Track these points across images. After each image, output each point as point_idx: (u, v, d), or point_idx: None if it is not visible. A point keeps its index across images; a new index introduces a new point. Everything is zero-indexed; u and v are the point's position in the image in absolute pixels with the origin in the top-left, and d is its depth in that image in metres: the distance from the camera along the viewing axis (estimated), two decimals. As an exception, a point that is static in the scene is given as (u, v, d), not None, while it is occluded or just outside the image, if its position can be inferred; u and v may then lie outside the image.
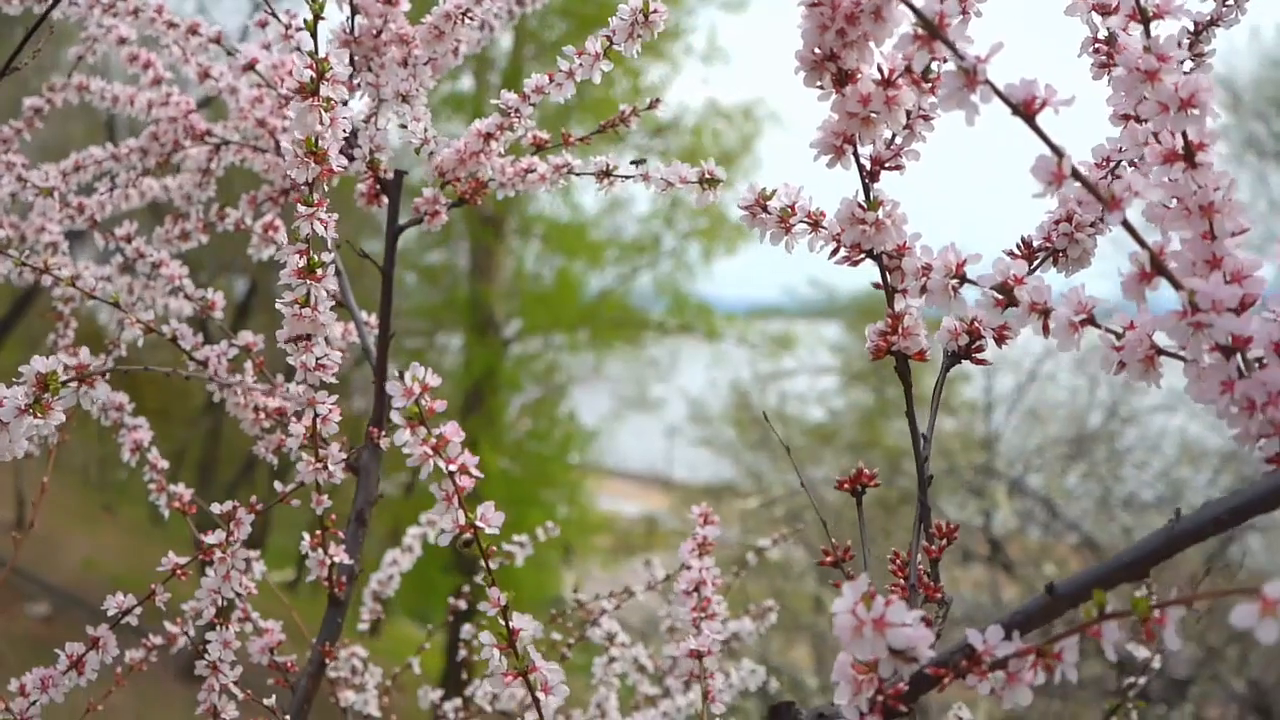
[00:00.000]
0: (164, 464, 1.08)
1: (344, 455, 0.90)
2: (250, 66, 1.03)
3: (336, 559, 0.95)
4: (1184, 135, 0.52)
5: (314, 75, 0.68)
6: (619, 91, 11.30)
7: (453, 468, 0.60)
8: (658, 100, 0.97)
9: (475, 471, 0.61)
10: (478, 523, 0.61)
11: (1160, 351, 0.53)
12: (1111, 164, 0.67)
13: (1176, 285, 0.50)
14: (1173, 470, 7.42)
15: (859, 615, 0.48)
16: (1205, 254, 0.52)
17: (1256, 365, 0.52)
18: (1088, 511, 6.80)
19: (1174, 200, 0.54)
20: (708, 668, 0.91)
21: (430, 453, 0.60)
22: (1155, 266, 0.50)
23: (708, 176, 0.82)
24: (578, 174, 0.94)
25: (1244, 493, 0.48)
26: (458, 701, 1.29)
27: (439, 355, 11.91)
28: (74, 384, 0.64)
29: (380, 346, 1.00)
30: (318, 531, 0.94)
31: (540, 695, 0.63)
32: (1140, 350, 0.53)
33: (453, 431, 0.61)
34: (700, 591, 0.93)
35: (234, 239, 1.26)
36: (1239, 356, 0.51)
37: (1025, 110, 0.49)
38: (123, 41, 1.17)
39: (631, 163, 0.93)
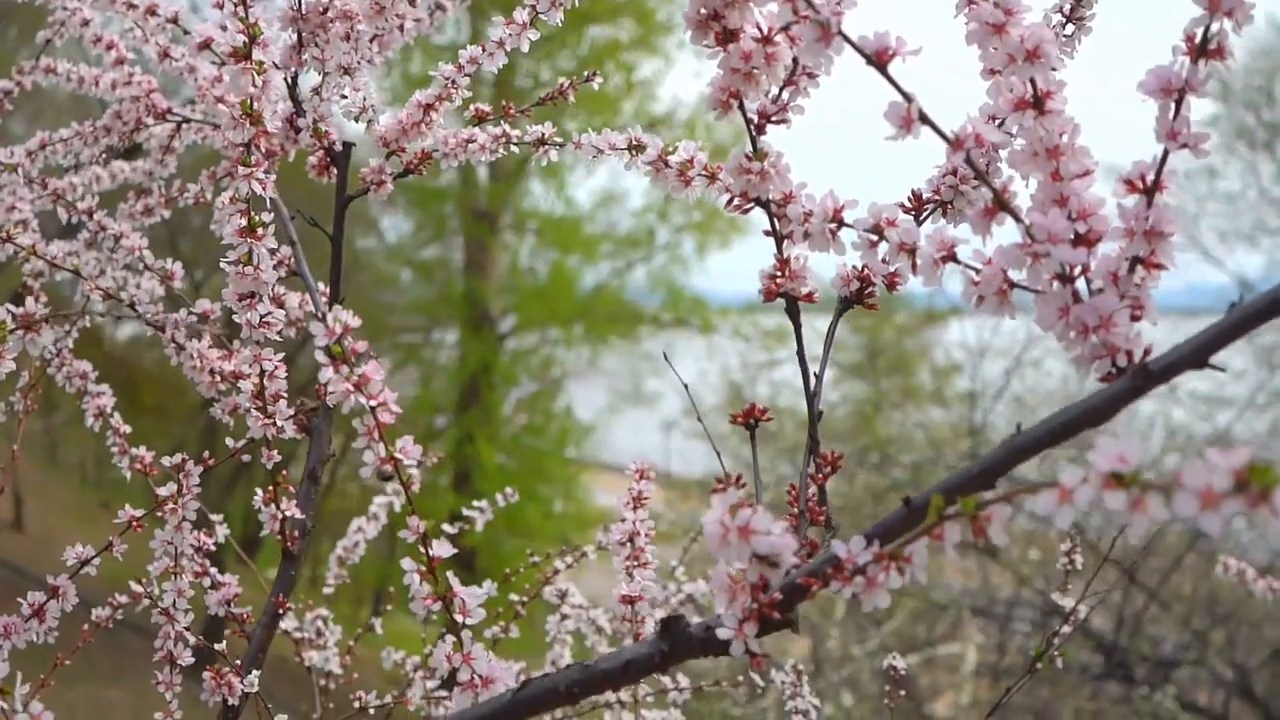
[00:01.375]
0: (126, 429, 1.12)
1: (292, 412, 0.94)
2: (206, 45, 1.07)
3: (289, 514, 0.99)
4: (1032, 83, 0.56)
5: (246, 40, 0.72)
6: (613, 86, 11.37)
7: (374, 403, 0.65)
8: (595, 73, 1.02)
9: (395, 407, 0.66)
10: (397, 454, 0.66)
11: (1013, 284, 0.57)
12: (997, 121, 0.71)
13: (1018, 220, 0.54)
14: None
15: (725, 524, 0.53)
16: (1054, 194, 0.56)
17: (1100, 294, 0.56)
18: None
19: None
20: (639, 613, 0.96)
21: (352, 389, 0.64)
22: (999, 203, 0.55)
23: (635, 143, 0.87)
24: (516, 143, 0.99)
25: (1074, 408, 0.52)
26: (417, 659, 1.34)
27: (435, 351, 11.97)
28: (20, 331, 0.68)
29: (331, 312, 1.04)
30: (270, 487, 0.98)
31: (459, 618, 0.67)
32: (995, 284, 0.57)
33: (373, 370, 0.65)
34: (634, 541, 0.98)
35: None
36: (1081, 284, 0.55)
37: (878, 60, 0.54)
38: (86, 23, 1.22)
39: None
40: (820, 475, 0.65)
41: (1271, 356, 8.34)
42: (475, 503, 1.40)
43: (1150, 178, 0.55)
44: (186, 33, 1.11)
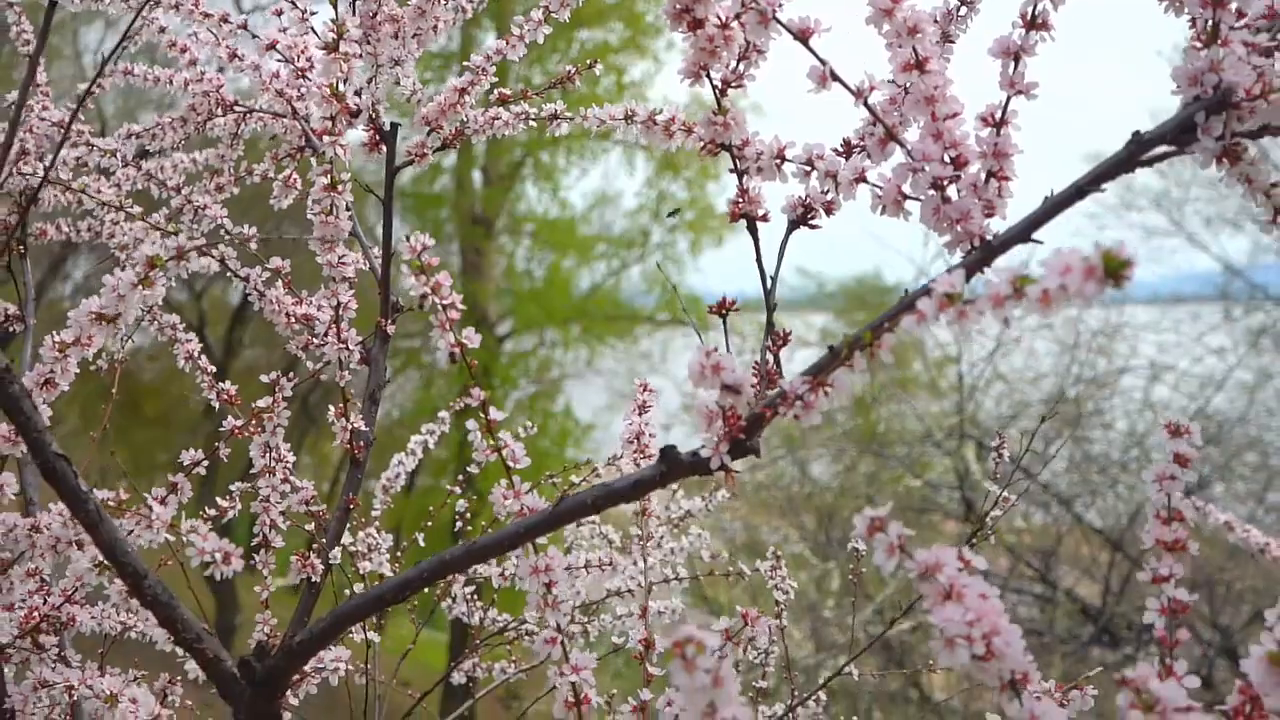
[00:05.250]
0: (212, 368, 1.34)
1: (361, 339, 1.17)
2: (271, 46, 1.29)
3: (356, 426, 1.22)
4: (915, 51, 0.79)
5: (335, 36, 0.94)
6: (603, 89, 11.62)
7: (445, 301, 0.87)
8: (595, 61, 1.24)
9: (459, 305, 0.88)
10: (463, 340, 0.88)
11: (904, 195, 0.80)
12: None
13: (903, 146, 0.77)
14: (1150, 436, 7.71)
15: (703, 363, 0.75)
16: (932, 130, 0.79)
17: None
18: (1061, 473, 7.10)
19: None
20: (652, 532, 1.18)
21: (429, 291, 0.87)
22: (889, 135, 0.77)
23: (629, 114, 1.09)
24: (534, 120, 1.21)
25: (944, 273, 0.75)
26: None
27: (434, 354, 12.19)
28: (173, 260, 0.91)
29: (384, 264, 1.27)
30: (340, 404, 1.21)
31: (510, 464, 0.90)
32: (892, 194, 0.80)
33: (444, 278, 0.88)
34: (639, 439, 1.20)
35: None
36: (952, 191, 0.78)
37: (802, 36, 0.76)
38: (163, 30, 1.44)
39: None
40: (775, 347, 0.87)
41: (1259, 339, 8.58)
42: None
43: (998, 115, 0.78)
44: (255, 36, 1.33)
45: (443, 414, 1.81)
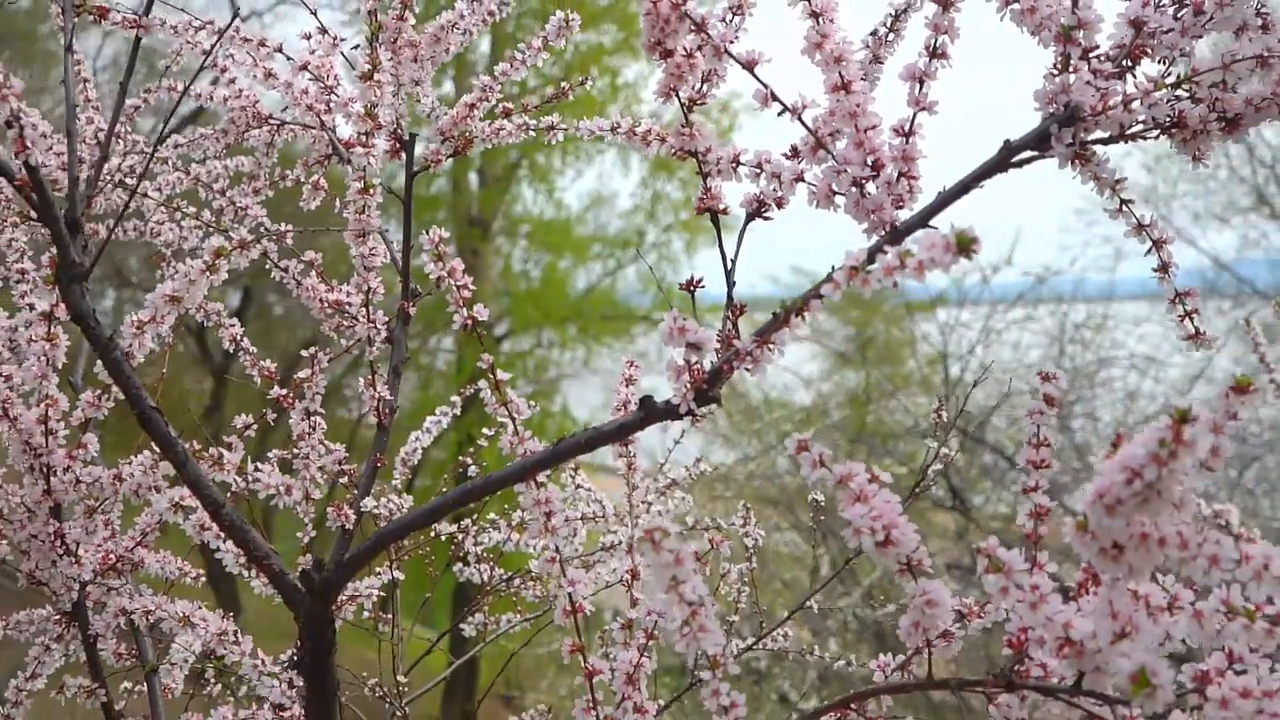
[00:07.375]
0: (253, 349, 1.53)
1: (387, 319, 1.36)
2: (304, 66, 1.49)
3: (382, 395, 1.41)
4: (840, 75, 0.98)
5: (370, 66, 1.13)
6: (597, 91, 11.82)
7: (459, 282, 1.06)
8: (586, 78, 1.44)
9: (471, 286, 1.07)
10: (475, 315, 1.07)
11: (833, 190, 0.99)
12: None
13: (830, 152, 0.96)
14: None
15: (671, 325, 0.94)
16: (857, 139, 0.98)
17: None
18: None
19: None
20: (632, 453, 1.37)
21: (445, 275, 1.06)
22: (818, 144, 0.97)
23: (614, 126, 1.29)
24: (533, 130, 1.41)
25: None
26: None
27: (432, 356, 12.39)
28: (236, 250, 1.10)
29: (404, 254, 1.46)
30: (368, 375, 1.40)
31: (515, 416, 1.09)
32: (823, 191, 0.99)
33: (458, 263, 1.07)
34: (626, 408, 1.39)
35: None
36: (870, 187, 0.97)
37: (748, 65, 0.95)
38: (206, 53, 1.63)
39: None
40: (734, 316, 1.07)
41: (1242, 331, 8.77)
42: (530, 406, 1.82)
43: (907, 127, 0.97)
44: (289, 58, 1.52)
45: (454, 398, 2.00)
